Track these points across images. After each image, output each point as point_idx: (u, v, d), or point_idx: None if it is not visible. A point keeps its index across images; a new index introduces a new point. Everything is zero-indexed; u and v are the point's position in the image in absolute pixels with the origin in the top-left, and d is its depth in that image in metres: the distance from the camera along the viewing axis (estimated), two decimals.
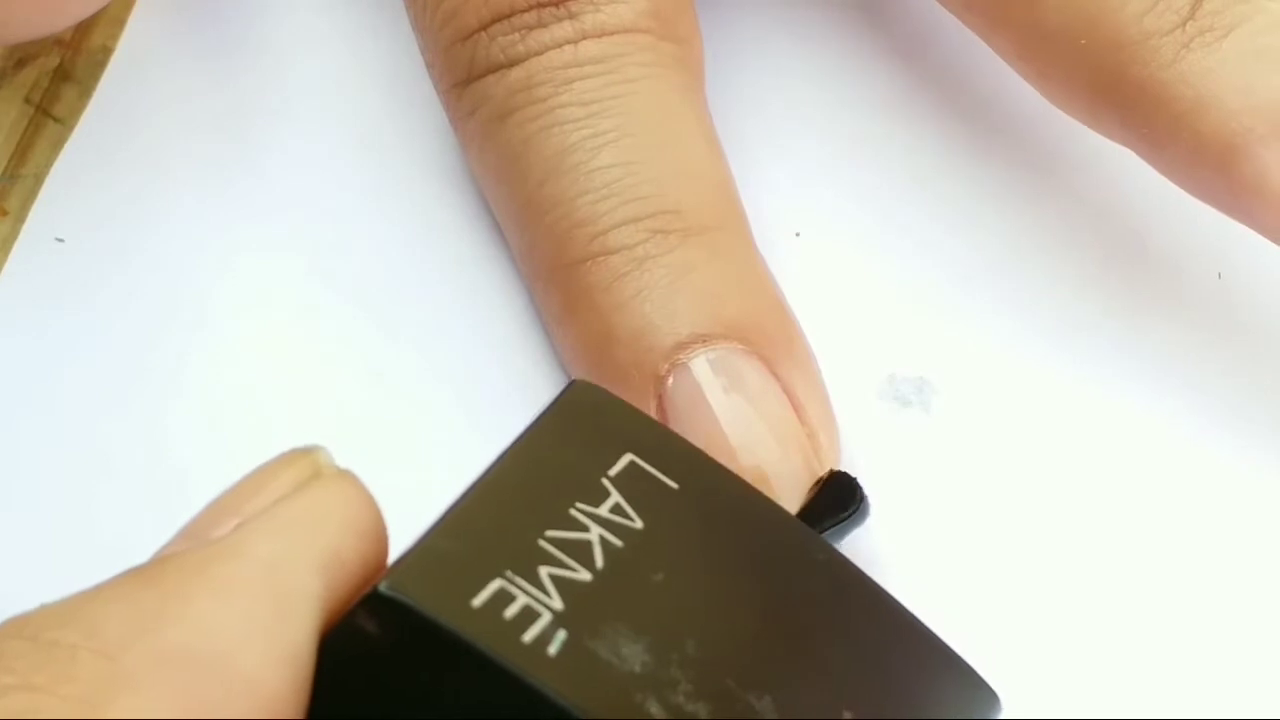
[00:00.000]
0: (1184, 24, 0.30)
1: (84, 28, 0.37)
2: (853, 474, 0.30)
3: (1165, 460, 0.32)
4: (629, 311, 0.30)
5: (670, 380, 0.30)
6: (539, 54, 0.32)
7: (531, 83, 0.32)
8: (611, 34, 0.32)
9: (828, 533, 0.29)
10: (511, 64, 0.32)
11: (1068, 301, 0.34)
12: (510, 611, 0.22)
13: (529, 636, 0.22)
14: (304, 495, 0.23)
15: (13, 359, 0.33)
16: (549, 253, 0.31)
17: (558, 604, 0.23)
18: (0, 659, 0.20)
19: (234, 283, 0.34)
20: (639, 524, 0.24)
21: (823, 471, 0.30)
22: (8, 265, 0.34)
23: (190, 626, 0.21)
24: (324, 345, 0.33)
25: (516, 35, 0.32)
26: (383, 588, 0.22)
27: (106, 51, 0.37)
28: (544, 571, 0.23)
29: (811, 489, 0.30)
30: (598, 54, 0.32)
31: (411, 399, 0.33)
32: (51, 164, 0.35)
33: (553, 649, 0.22)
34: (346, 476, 0.23)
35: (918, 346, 0.33)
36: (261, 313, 0.34)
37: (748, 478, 0.29)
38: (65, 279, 0.34)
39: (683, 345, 0.30)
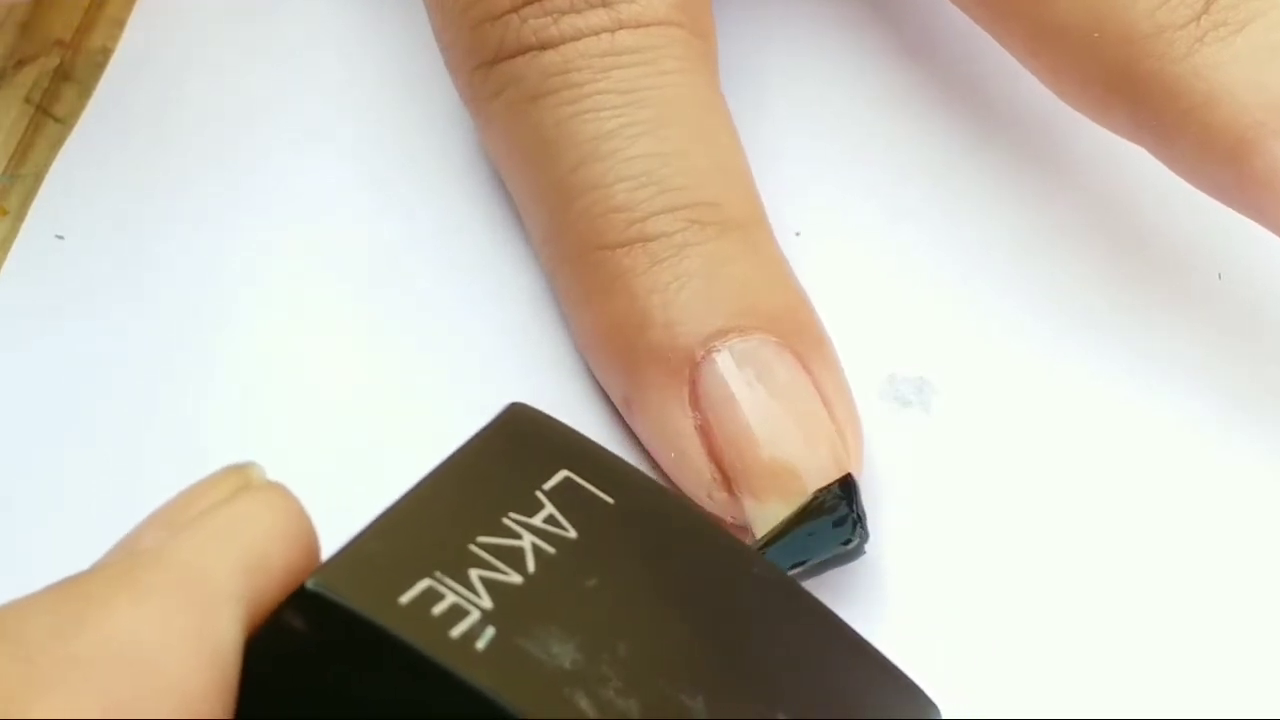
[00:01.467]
0: (1198, 18, 0.30)
1: (84, 28, 0.37)
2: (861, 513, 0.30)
3: (1165, 459, 0.32)
4: (666, 296, 0.31)
5: (705, 366, 0.30)
6: (574, 39, 0.32)
7: (568, 67, 0.32)
8: (647, 26, 0.32)
9: (819, 563, 0.29)
10: (544, 46, 0.32)
11: (1068, 302, 0.34)
12: (438, 609, 0.22)
13: (456, 632, 0.22)
14: (230, 505, 0.23)
15: (11, 357, 0.33)
16: (581, 235, 0.31)
17: (487, 603, 0.23)
18: None
19: (234, 281, 0.34)
20: (572, 533, 0.24)
21: (849, 469, 0.30)
22: (7, 264, 0.34)
23: (108, 630, 0.21)
24: (324, 340, 0.33)
25: (549, 19, 0.32)
26: (309, 584, 0.22)
27: (106, 52, 0.37)
28: (474, 574, 0.23)
29: (802, 506, 0.30)
30: (635, 44, 0.32)
31: (419, 392, 0.33)
32: (51, 164, 0.35)
33: (480, 644, 0.22)
34: (274, 487, 0.24)
35: (918, 346, 0.33)
36: (263, 310, 0.34)
37: (775, 468, 0.29)
38: (65, 278, 0.34)
39: (720, 333, 0.30)
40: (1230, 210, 0.31)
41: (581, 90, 0.32)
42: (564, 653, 0.22)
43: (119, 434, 0.32)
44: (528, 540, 0.24)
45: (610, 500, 0.25)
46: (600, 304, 0.31)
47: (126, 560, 0.22)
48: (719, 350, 0.30)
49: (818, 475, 0.30)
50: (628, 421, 0.32)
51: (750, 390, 0.30)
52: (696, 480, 0.30)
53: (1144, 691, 0.30)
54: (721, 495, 0.30)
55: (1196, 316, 0.33)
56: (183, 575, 0.22)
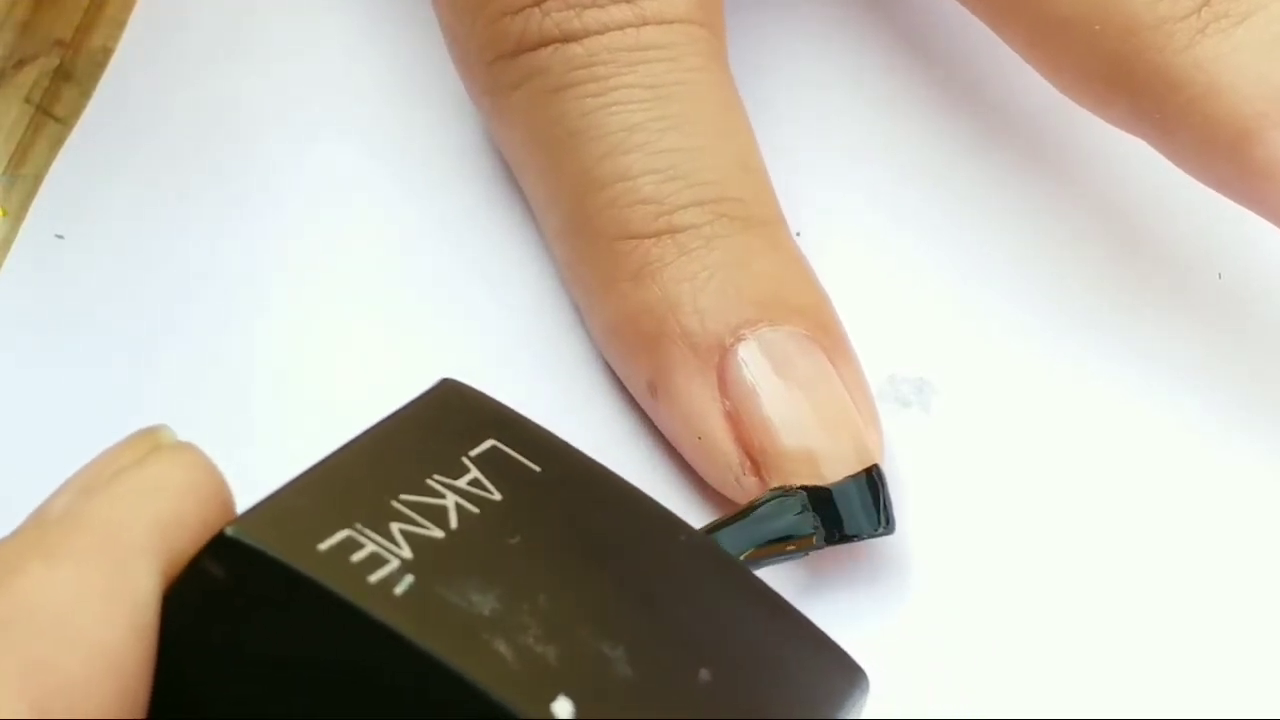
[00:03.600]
0: (1199, 10, 0.31)
1: (84, 28, 0.37)
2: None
3: (1165, 459, 0.32)
4: (696, 285, 0.31)
5: (735, 352, 0.30)
6: (599, 33, 0.32)
7: (593, 60, 0.32)
8: (670, 22, 0.32)
9: (770, 548, 0.29)
10: (567, 39, 0.32)
11: (1068, 302, 0.34)
12: (357, 556, 0.22)
13: (374, 578, 0.22)
14: (142, 466, 0.23)
15: (11, 355, 0.33)
16: (607, 225, 0.32)
17: (406, 553, 0.23)
18: None
19: (234, 280, 0.34)
20: (497, 496, 0.24)
21: (871, 461, 0.30)
22: (7, 264, 0.34)
23: (23, 592, 0.21)
24: (326, 337, 0.33)
25: (572, 12, 0.32)
26: (228, 531, 0.22)
27: (106, 52, 0.37)
28: (395, 527, 0.23)
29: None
30: (661, 40, 0.32)
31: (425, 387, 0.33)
32: (51, 164, 0.35)
33: (399, 590, 0.22)
34: (186, 446, 0.24)
35: (918, 346, 0.33)
36: (264, 308, 0.34)
37: (804, 455, 0.30)
38: (65, 278, 0.34)
39: (750, 322, 0.31)
40: (1230, 210, 0.31)
41: (607, 83, 0.32)
42: (483, 601, 0.22)
43: (118, 433, 0.32)
44: (451, 499, 0.24)
45: (537, 469, 0.25)
46: (627, 291, 0.31)
47: (39, 526, 0.22)
48: (749, 338, 0.30)
49: (841, 464, 0.30)
50: (647, 409, 0.32)
51: (779, 378, 0.30)
52: (723, 464, 0.30)
53: (1141, 691, 0.30)
54: (750, 480, 0.30)
55: (1196, 316, 0.33)
56: (96, 535, 0.22)
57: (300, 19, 0.37)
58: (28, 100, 0.36)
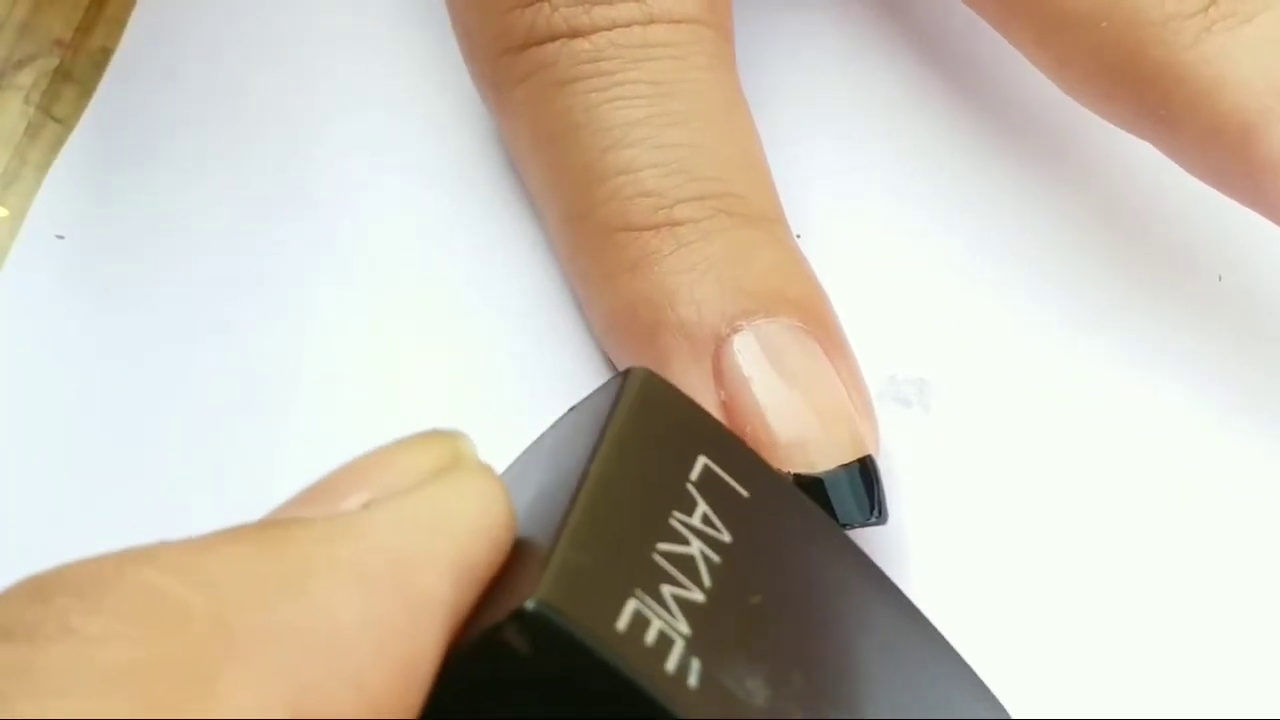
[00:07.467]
0: (1207, 8, 0.31)
1: (84, 28, 0.37)
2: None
3: (1165, 460, 0.32)
4: (693, 277, 0.31)
5: (730, 344, 0.30)
6: (606, 29, 0.32)
7: (599, 56, 0.32)
8: (679, 22, 0.33)
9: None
10: (575, 34, 0.32)
11: (1068, 302, 0.34)
12: (650, 637, 0.21)
13: (670, 666, 0.21)
14: (441, 486, 0.21)
15: (11, 356, 0.33)
16: (608, 217, 0.32)
17: (685, 628, 0.22)
18: (105, 597, 0.18)
19: (235, 279, 0.34)
20: (727, 537, 0.23)
21: (865, 451, 0.30)
22: (7, 264, 0.34)
23: (309, 608, 0.19)
24: (329, 337, 0.33)
25: (581, 8, 0.32)
26: (533, 606, 0.21)
27: (106, 52, 0.37)
28: (666, 591, 0.22)
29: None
30: (668, 39, 0.32)
31: (431, 386, 0.33)
32: (51, 164, 0.35)
33: (692, 681, 0.21)
34: (487, 472, 0.22)
35: (918, 346, 0.33)
36: (266, 308, 0.34)
37: (797, 446, 0.30)
38: (64, 278, 0.34)
39: (746, 313, 0.31)
40: (1231, 214, 0.31)
41: (613, 78, 0.32)
42: (756, 689, 0.22)
43: (118, 434, 0.32)
44: (695, 547, 0.23)
45: (745, 493, 0.24)
46: (625, 283, 0.31)
47: (325, 525, 0.20)
48: (744, 329, 0.30)
49: (834, 454, 0.30)
50: None
51: (774, 369, 0.30)
52: None
53: (1146, 691, 0.30)
54: None
55: (1196, 318, 0.33)
56: (390, 567, 0.20)
57: (301, 18, 0.37)
58: (28, 100, 0.36)
